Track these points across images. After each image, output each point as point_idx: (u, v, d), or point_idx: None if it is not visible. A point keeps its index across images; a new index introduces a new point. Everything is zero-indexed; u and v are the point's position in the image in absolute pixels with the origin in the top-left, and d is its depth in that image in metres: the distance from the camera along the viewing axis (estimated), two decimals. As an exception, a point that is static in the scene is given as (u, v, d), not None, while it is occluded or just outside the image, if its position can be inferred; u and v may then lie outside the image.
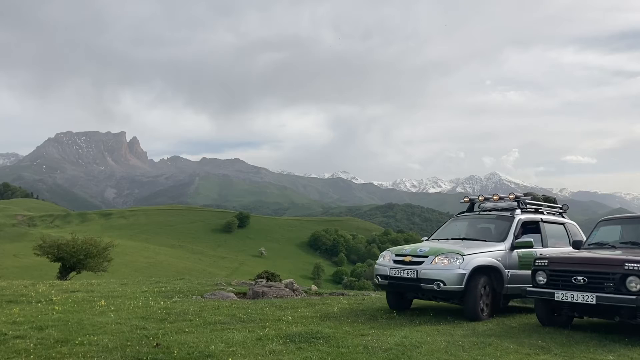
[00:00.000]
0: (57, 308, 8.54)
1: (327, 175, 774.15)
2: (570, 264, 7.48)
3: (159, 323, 7.44)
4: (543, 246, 9.35)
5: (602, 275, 7.00)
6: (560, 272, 7.47)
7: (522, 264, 8.83)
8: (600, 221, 9.12)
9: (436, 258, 8.33)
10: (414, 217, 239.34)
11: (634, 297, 6.63)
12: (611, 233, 8.73)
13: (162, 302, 9.56)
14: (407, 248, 9.04)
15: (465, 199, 10.56)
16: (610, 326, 7.77)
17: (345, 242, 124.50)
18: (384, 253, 9.31)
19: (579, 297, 7.07)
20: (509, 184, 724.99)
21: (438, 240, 9.77)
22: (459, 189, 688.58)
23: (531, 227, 9.50)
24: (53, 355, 5.64)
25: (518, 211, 9.57)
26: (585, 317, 7.88)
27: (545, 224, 9.74)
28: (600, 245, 8.38)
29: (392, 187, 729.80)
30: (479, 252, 8.45)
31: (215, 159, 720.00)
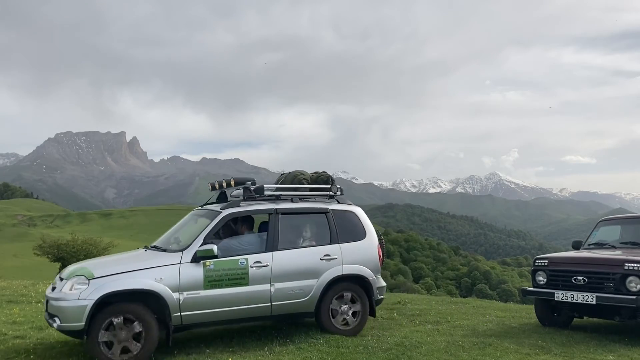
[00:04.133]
0: (57, 308, 8.53)
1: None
2: (570, 264, 7.49)
3: (159, 323, 7.43)
4: (270, 248, 6.42)
5: (602, 275, 7.01)
6: (560, 272, 7.47)
7: (211, 281, 5.94)
8: (600, 221, 9.11)
9: (68, 282, 5.64)
10: (414, 217, 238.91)
11: (634, 297, 6.63)
12: (611, 233, 8.71)
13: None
14: (72, 267, 6.17)
15: (209, 186, 7.45)
16: (610, 326, 7.77)
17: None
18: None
19: (579, 297, 7.07)
20: (508, 184, 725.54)
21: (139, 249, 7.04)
22: (459, 189, 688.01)
23: (262, 223, 6.83)
24: (53, 355, 5.65)
25: (242, 202, 6.66)
26: (585, 317, 7.89)
27: (284, 216, 6.70)
28: (600, 246, 8.38)
29: (392, 187, 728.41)
30: (124, 272, 5.67)
31: (215, 159, 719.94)
